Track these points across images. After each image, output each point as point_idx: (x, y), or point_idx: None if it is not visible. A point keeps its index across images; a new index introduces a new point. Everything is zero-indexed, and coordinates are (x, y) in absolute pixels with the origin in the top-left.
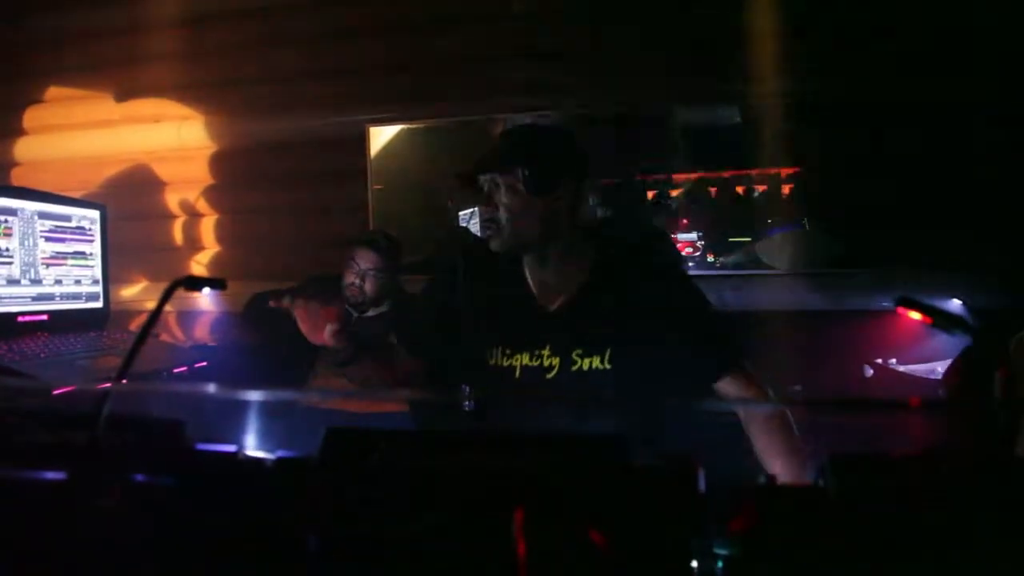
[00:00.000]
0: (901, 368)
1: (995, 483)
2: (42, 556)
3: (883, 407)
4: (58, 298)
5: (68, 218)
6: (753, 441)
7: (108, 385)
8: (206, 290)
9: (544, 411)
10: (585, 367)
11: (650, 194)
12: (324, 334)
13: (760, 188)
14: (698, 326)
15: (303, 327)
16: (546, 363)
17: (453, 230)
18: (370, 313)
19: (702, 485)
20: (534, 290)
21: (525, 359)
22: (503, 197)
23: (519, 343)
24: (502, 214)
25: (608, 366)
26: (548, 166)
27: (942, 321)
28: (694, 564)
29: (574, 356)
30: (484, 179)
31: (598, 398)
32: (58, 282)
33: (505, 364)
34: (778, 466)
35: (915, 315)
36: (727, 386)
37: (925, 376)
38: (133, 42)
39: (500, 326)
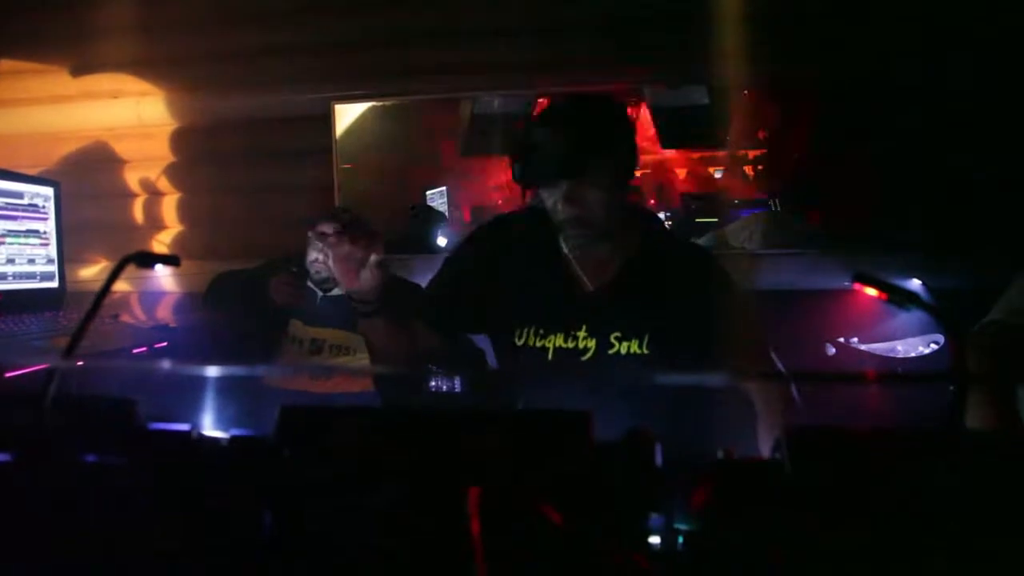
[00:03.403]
0: (863, 347)
1: (949, 457)
2: None
3: (846, 380)
4: (10, 277)
5: (20, 195)
6: (762, 425)
7: (52, 365)
8: (164, 269)
9: (576, 394)
10: (623, 351)
11: None
12: (360, 273)
13: (726, 169)
14: (734, 316)
15: (337, 265)
16: (581, 345)
17: (420, 208)
18: (336, 291)
19: (659, 460)
20: (574, 270)
21: (559, 340)
22: (591, 194)
23: (554, 324)
24: (592, 212)
25: (646, 351)
26: (631, 147)
27: (897, 297)
28: (656, 540)
29: (612, 339)
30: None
31: (633, 382)
32: (10, 261)
33: (538, 345)
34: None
35: (871, 291)
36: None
37: (886, 354)
38: (90, 14)
39: (535, 305)
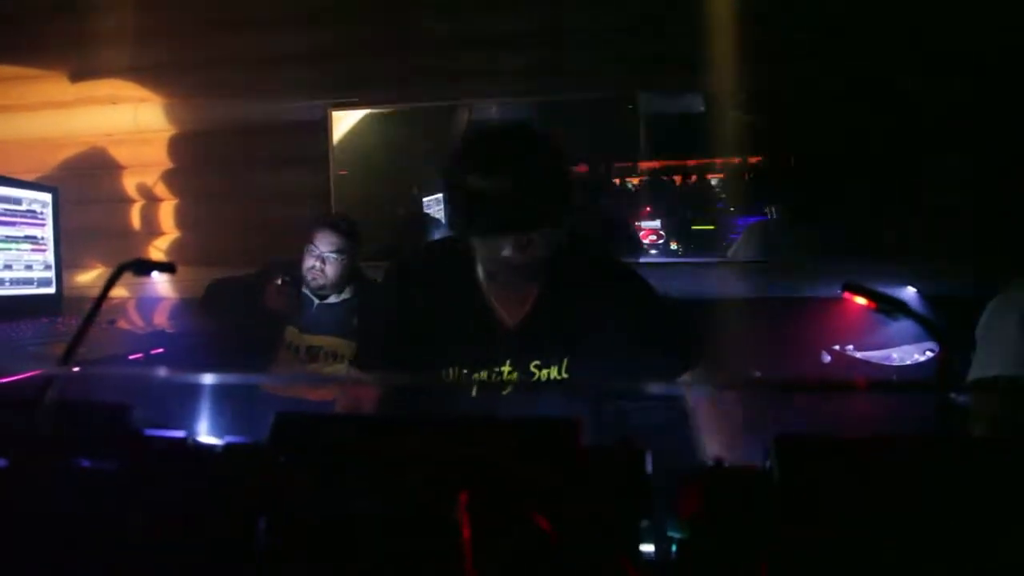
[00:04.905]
0: (858, 355)
1: (938, 463)
2: None
3: (839, 388)
4: (8, 283)
5: (18, 201)
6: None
7: (49, 372)
8: (161, 275)
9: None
10: (543, 378)
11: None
12: None
13: (722, 177)
14: (655, 330)
15: None
16: (505, 379)
17: (416, 216)
18: (332, 299)
19: (649, 468)
20: (493, 305)
21: (483, 376)
22: (541, 239)
23: (477, 362)
24: (538, 254)
25: (566, 375)
26: (572, 183)
27: (886, 306)
28: (651, 548)
29: (531, 368)
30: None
31: (551, 406)
32: (8, 267)
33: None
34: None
35: (860, 300)
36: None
37: (881, 362)
38: (88, 20)
39: (458, 344)
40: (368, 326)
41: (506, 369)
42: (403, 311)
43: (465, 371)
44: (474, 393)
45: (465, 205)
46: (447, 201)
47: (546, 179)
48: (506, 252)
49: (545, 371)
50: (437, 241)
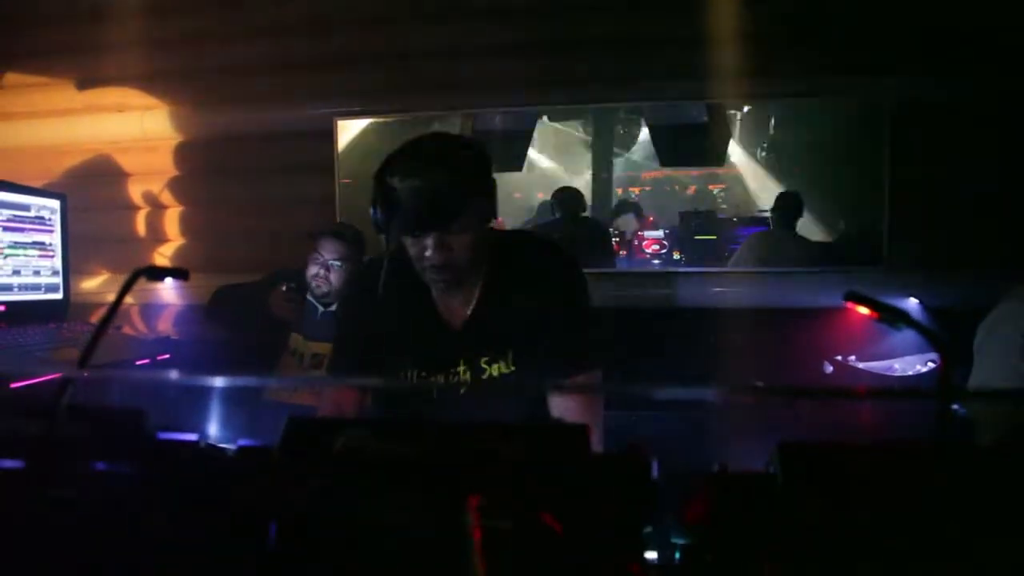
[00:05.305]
0: (860, 365)
1: (941, 470)
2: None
3: (839, 395)
4: (16, 289)
5: (27, 207)
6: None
7: (67, 375)
8: (169, 282)
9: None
10: (494, 373)
11: (618, 191)
12: None
13: (726, 187)
14: (576, 320)
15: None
16: (462, 381)
17: None
18: (335, 307)
19: (655, 474)
20: (439, 308)
21: (439, 379)
22: (457, 240)
23: (432, 364)
24: (459, 255)
25: (512, 367)
26: (492, 188)
27: (888, 316)
28: (654, 555)
29: (482, 364)
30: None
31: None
32: (16, 272)
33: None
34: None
35: (862, 310)
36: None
37: (883, 372)
38: (95, 28)
39: (413, 349)
40: (336, 331)
41: (461, 370)
42: (362, 317)
43: (423, 374)
44: (435, 395)
45: (383, 205)
46: (371, 203)
47: (456, 183)
48: (428, 252)
49: (495, 366)
50: (393, 248)
